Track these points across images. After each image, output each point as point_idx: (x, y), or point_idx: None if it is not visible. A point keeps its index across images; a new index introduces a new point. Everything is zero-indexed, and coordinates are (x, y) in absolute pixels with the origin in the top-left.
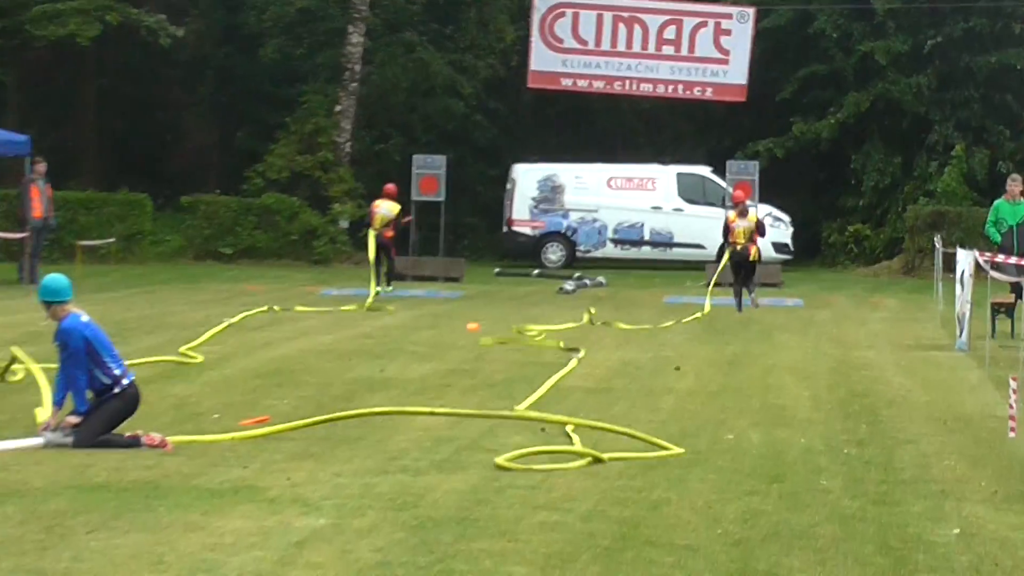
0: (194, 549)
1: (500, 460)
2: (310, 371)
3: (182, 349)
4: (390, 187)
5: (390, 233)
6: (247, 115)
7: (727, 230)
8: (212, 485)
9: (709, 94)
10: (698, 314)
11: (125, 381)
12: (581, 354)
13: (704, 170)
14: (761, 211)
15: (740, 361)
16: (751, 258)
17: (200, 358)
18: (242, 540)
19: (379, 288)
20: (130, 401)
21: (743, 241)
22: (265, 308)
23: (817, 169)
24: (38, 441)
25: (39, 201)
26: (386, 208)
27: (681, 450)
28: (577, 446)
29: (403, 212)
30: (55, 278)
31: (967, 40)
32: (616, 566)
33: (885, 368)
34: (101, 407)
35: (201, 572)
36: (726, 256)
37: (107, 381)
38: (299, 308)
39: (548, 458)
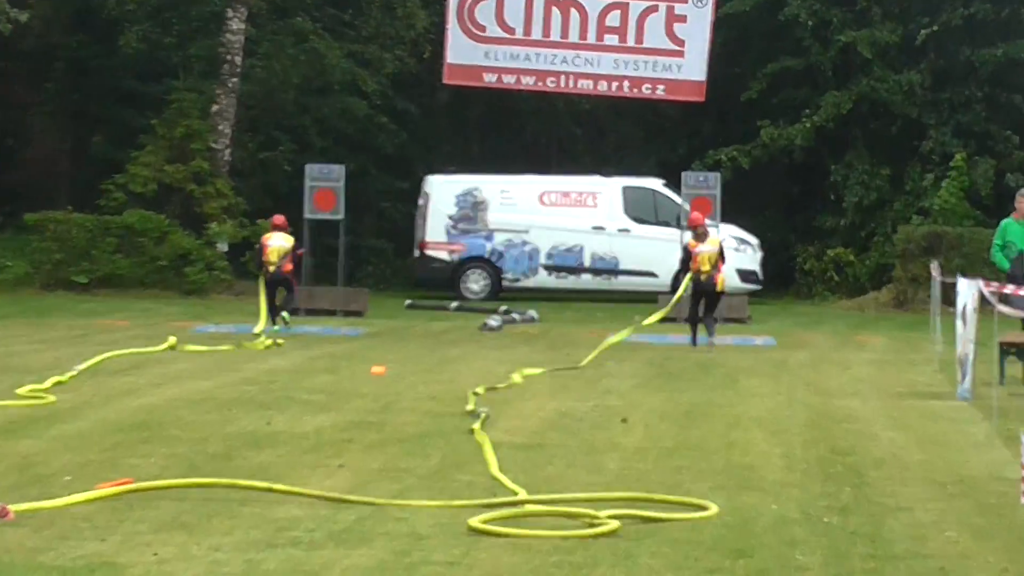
0: None
1: (473, 522)
2: (182, 424)
3: (22, 391)
4: (279, 219)
5: (289, 267)
6: (105, 117)
7: (687, 257)
8: (63, 562)
9: (661, 92)
10: (611, 339)
11: None
12: (483, 415)
13: (655, 183)
14: (723, 232)
15: (699, 412)
16: (718, 288)
17: (52, 398)
18: None
19: (272, 326)
20: None
21: (707, 269)
22: (169, 344)
23: (790, 182)
24: None
25: None
26: (279, 239)
27: (712, 509)
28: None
29: (297, 243)
30: None
31: (968, 30)
32: None
33: (873, 420)
34: None
35: None
36: (684, 284)
37: None
38: (190, 348)
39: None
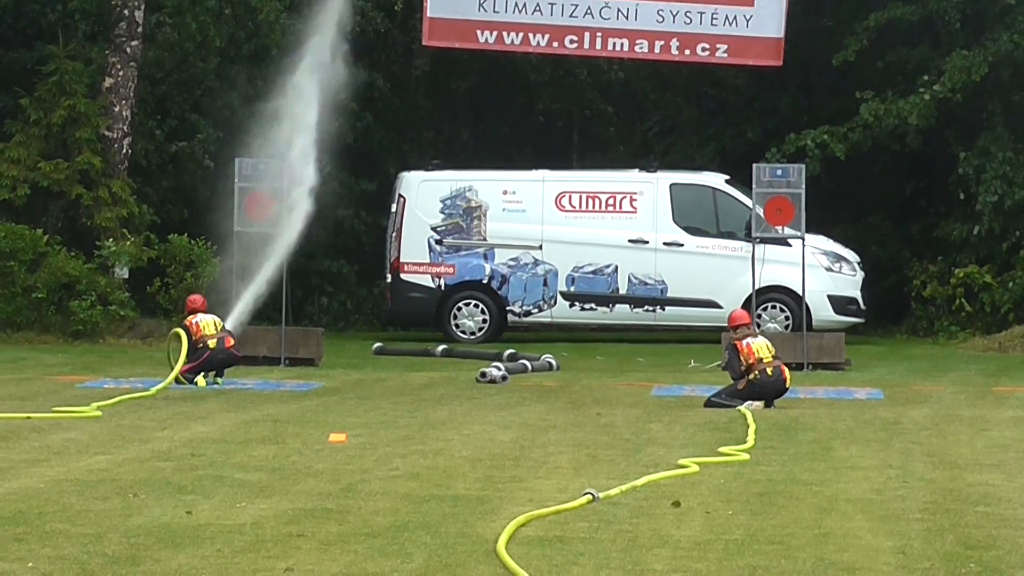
0: None
1: None
2: (70, 515)
3: None
4: (197, 298)
5: (231, 340)
6: None
7: (736, 357)
8: None
9: (722, 55)
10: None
11: None
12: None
13: (716, 179)
14: (813, 245)
15: (779, 492)
16: (788, 384)
17: None
18: None
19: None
20: None
21: (769, 357)
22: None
23: (902, 177)
24: None
25: None
26: (208, 315)
27: None
28: None
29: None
30: None
31: None
32: None
33: (1021, 502)
34: None
35: None
36: (743, 387)
37: None
38: (94, 407)
39: None
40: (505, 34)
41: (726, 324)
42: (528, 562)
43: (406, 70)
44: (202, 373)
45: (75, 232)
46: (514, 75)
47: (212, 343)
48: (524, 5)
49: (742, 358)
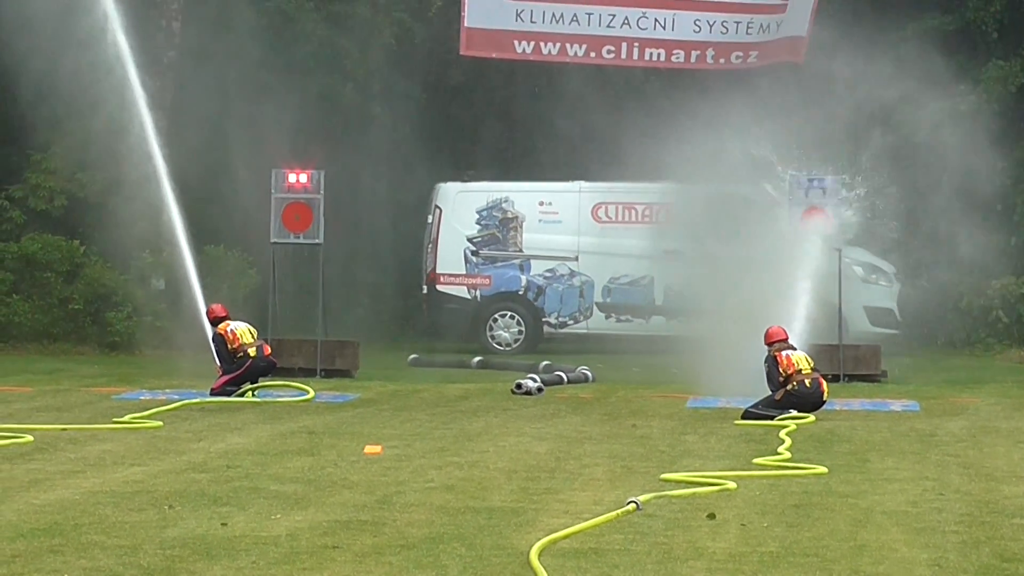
0: None
1: None
2: (105, 527)
3: None
4: (218, 307)
5: (269, 349)
6: None
7: (775, 368)
8: None
9: (754, 60)
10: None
11: None
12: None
13: (751, 189)
14: (849, 256)
15: (815, 504)
16: (826, 396)
17: None
18: None
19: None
20: None
21: (808, 370)
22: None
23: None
24: None
25: None
26: (239, 322)
27: None
28: None
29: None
30: None
31: None
32: None
33: None
34: None
35: None
36: (780, 398)
37: None
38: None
39: None
40: (542, 44)
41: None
42: (563, 574)
43: (443, 80)
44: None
45: (112, 243)
46: (553, 86)
47: (252, 351)
48: (562, 15)
49: (781, 369)
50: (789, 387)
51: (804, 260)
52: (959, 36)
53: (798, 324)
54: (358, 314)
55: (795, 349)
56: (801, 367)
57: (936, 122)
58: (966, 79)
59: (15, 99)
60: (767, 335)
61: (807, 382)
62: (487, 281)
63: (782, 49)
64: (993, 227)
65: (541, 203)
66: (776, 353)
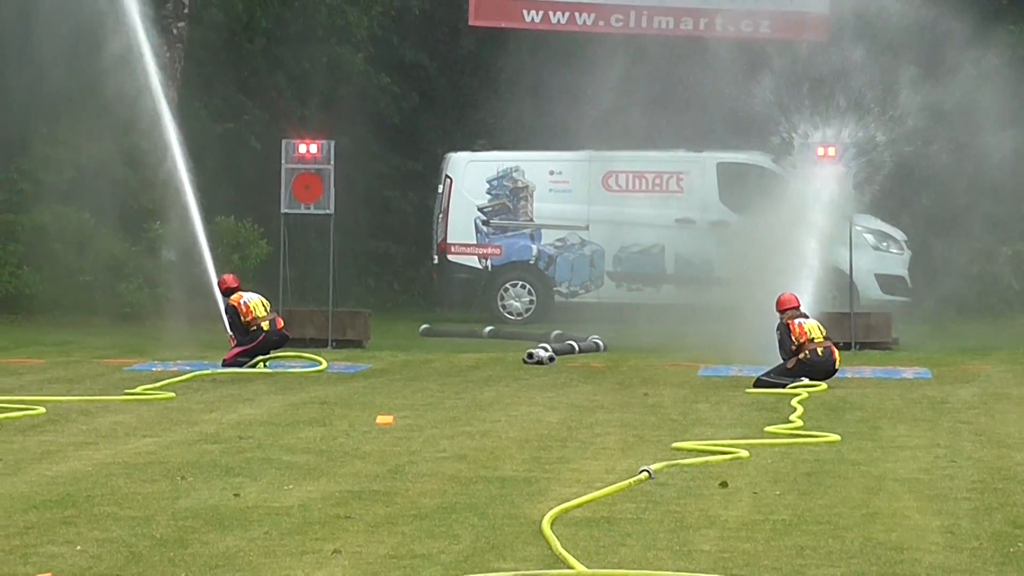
0: None
1: None
2: (118, 498)
3: None
4: (229, 278)
5: (281, 322)
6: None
7: (787, 336)
8: None
9: (766, 29)
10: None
11: None
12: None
13: (759, 158)
14: (860, 224)
15: (827, 472)
16: (838, 364)
17: None
18: None
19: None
20: None
21: (820, 339)
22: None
23: None
24: None
25: None
26: (253, 294)
27: None
28: None
29: None
30: None
31: None
32: None
33: None
34: None
35: None
36: (792, 366)
37: None
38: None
39: None
40: (551, 13)
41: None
42: (576, 543)
43: (452, 50)
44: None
45: (123, 214)
46: (563, 55)
47: (265, 325)
48: None
49: (793, 337)
50: (801, 356)
51: (814, 228)
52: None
53: (808, 293)
54: (369, 284)
55: (807, 317)
56: (813, 336)
57: (949, 86)
58: (978, 44)
59: (23, 69)
60: (779, 302)
61: (819, 350)
62: (498, 251)
63: (801, 25)
64: (1003, 193)
65: (551, 172)
66: (789, 321)
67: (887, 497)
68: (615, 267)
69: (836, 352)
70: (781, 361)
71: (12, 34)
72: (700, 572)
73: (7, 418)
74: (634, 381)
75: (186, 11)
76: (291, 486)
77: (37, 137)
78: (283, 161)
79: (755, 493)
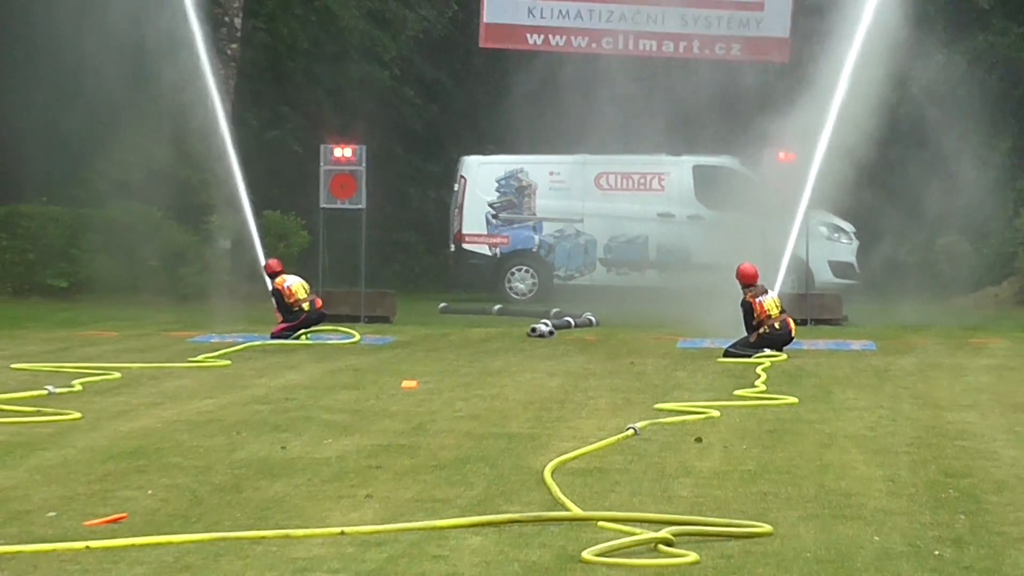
0: None
1: (588, 554)
2: (182, 450)
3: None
4: (274, 262)
5: (320, 302)
6: (79, 89)
7: (749, 312)
8: None
9: (737, 52)
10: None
11: None
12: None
13: (729, 161)
14: (815, 217)
15: (786, 429)
16: (794, 335)
17: (76, 415)
18: None
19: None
20: None
21: (776, 313)
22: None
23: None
24: None
25: None
26: (294, 277)
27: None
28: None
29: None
30: None
31: None
32: None
33: (992, 437)
34: None
35: None
36: (755, 339)
37: None
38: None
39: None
40: (551, 37)
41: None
42: (572, 490)
43: (466, 68)
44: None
45: (184, 209)
46: (561, 72)
47: (306, 306)
48: (567, 12)
49: (755, 315)
50: (761, 330)
51: (776, 221)
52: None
53: (772, 277)
54: (395, 269)
55: (767, 292)
56: (771, 312)
57: (898, 94)
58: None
59: (100, 83)
60: (739, 273)
61: (776, 325)
62: (506, 240)
63: (767, 47)
64: (939, 192)
65: (551, 173)
66: (751, 299)
67: (837, 451)
68: (605, 254)
69: (792, 323)
70: (745, 334)
71: (91, 53)
72: (678, 515)
73: (88, 382)
74: (622, 352)
75: (238, 34)
76: (329, 440)
77: (111, 142)
78: (321, 163)
79: (725, 447)
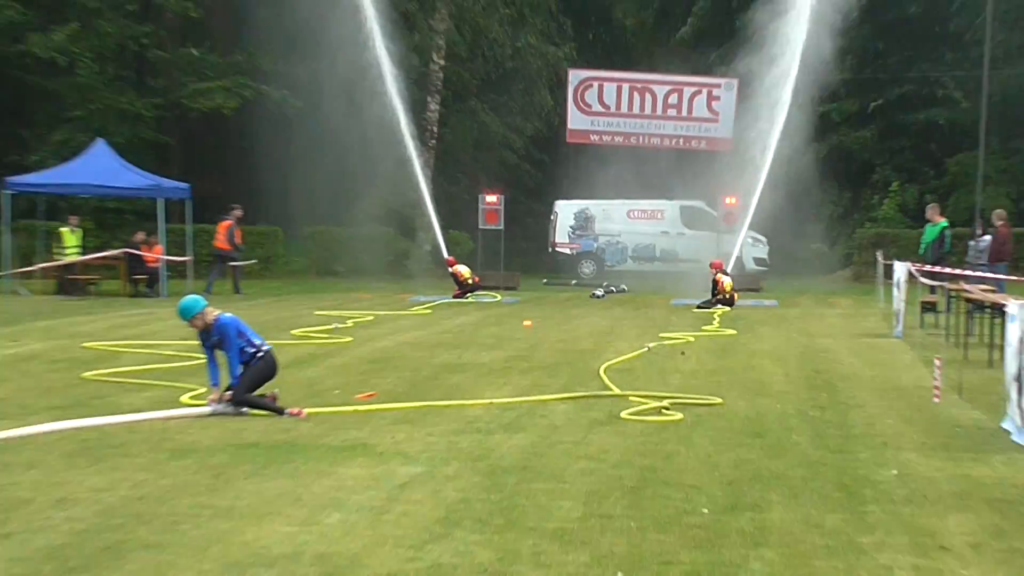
0: (323, 490)
1: (625, 414)
2: (405, 359)
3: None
4: (451, 259)
5: (478, 279)
6: (347, 163)
7: (715, 287)
8: (336, 443)
9: (703, 145)
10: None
11: (264, 348)
12: (652, 345)
13: (700, 203)
14: (747, 234)
15: (731, 348)
16: (736, 300)
17: (349, 339)
18: (359, 483)
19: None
20: (269, 363)
21: (729, 288)
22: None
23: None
24: (206, 410)
25: (223, 235)
26: (462, 266)
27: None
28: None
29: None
30: (181, 302)
31: (902, 102)
32: (639, 500)
33: (840, 352)
34: (249, 370)
35: (329, 507)
36: (715, 300)
37: (251, 350)
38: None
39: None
40: (604, 136)
41: (706, 270)
42: (615, 381)
43: (558, 152)
44: (468, 296)
45: (405, 228)
46: (609, 154)
47: (470, 281)
48: (612, 123)
49: (719, 289)
50: (719, 296)
51: (726, 236)
52: None
53: (727, 265)
54: (519, 261)
55: (727, 275)
56: (727, 287)
57: (791, 165)
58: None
59: (357, 158)
60: (712, 264)
61: (727, 295)
62: (579, 246)
63: (720, 143)
64: (814, 220)
65: (603, 209)
66: (717, 278)
67: (758, 359)
68: (633, 254)
69: (736, 295)
70: (711, 297)
71: (356, 140)
72: (671, 393)
73: (357, 322)
74: (641, 306)
75: (435, 129)
76: (484, 353)
77: (364, 194)
78: (479, 204)
79: (697, 357)
